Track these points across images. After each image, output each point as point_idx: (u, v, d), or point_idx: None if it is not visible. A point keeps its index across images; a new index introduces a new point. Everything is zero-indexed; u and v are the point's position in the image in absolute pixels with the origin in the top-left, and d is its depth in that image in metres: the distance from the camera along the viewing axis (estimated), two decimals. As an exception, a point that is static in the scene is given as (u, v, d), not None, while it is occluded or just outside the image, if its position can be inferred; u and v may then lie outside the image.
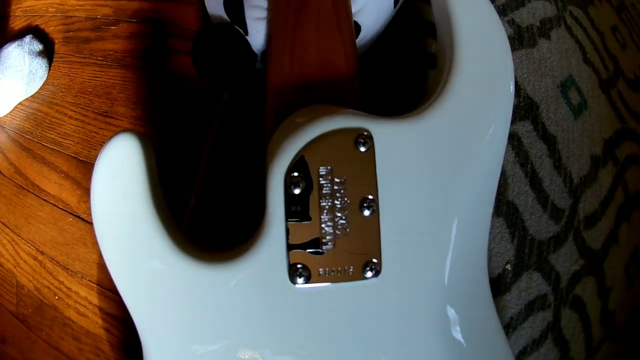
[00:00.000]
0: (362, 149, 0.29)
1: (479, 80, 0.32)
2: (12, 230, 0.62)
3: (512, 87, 0.32)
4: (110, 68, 0.59)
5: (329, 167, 0.29)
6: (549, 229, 0.47)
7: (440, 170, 0.30)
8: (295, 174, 0.29)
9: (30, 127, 0.63)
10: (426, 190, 0.30)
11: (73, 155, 0.59)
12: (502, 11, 0.51)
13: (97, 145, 0.57)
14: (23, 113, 0.64)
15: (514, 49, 0.49)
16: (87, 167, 0.58)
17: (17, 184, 0.62)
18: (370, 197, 0.29)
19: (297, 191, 0.29)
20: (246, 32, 0.44)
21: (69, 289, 0.55)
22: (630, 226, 0.54)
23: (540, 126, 0.49)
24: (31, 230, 0.61)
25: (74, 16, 0.65)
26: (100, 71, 0.60)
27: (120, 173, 0.29)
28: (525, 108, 0.48)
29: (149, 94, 0.56)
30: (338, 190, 0.29)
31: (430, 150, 0.30)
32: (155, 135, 0.55)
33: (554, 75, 0.51)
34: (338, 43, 0.39)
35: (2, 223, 0.63)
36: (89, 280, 0.54)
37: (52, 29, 0.67)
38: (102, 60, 0.60)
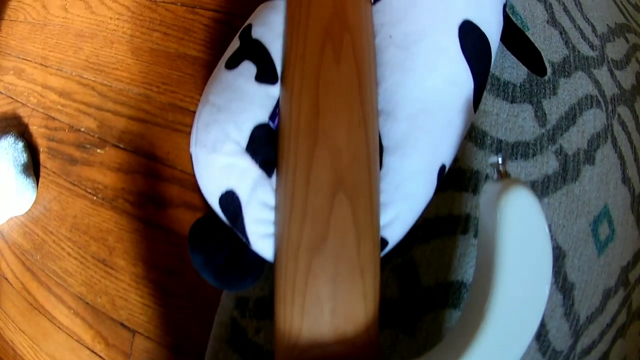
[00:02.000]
0: None
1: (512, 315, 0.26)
2: (30, 340, 0.62)
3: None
4: (102, 207, 0.51)
5: None
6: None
7: None
8: None
9: (29, 247, 0.58)
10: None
11: (78, 295, 0.54)
12: (552, 137, 0.47)
13: (101, 293, 0.53)
14: (20, 229, 0.58)
15: (556, 188, 0.46)
16: (95, 312, 0.54)
17: (28, 301, 0.60)
18: None
19: None
20: (248, 243, 0.34)
21: None
22: (625, 341, 0.54)
23: (561, 277, 0.45)
24: (50, 347, 0.60)
25: (56, 119, 0.55)
26: (92, 208, 0.52)
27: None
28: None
29: (148, 251, 0.49)
30: None
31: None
32: (164, 303, 0.49)
33: (589, 211, 0.48)
34: (358, 295, 0.31)
35: (20, 330, 0.63)
36: None
37: (35, 128, 0.57)
38: (93, 195, 0.51)
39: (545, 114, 0.48)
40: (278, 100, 0.33)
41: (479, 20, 0.35)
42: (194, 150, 0.32)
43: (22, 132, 0.58)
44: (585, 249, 0.47)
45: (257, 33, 0.35)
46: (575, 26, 0.56)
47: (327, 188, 0.31)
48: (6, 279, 0.61)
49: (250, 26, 0.37)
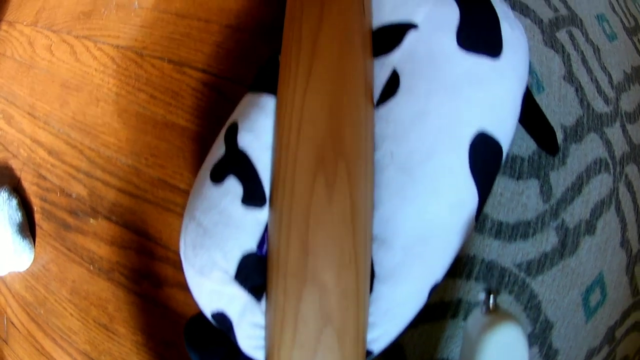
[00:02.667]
0: None
1: None
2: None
3: None
4: (100, 278, 0.50)
5: None
6: None
7: None
8: None
9: (32, 300, 0.58)
10: None
11: (84, 351, 0.55)
12: (555, 212, 0.45)
13: (105, 353, 0.53)
14: (22, 282, 0.58)
15: (552, 265, 0.44)
16: (99, 369, 0.55)
17: (35, 347, 0.61)
18: None
19: None
20: (241, 351, 0.34)
21: None
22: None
23: (546, 346, 0.44)
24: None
25: (47, 179, 0.53)
26: (89, 277, 0.51)
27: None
28: (538, 334, 0.43)
29: (146, 323, 0.48)
30: None
31: None
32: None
33: (583, 282, 0.46)
34: None
35: (36, 369, 0.65)
36: None
37: (27, 184, 0.55)
38: (89, 264, 0.50)
39: (551, 187, 0.45)
40: (266, 226, 0.30)
41: (495, 128, 0.31)
42: (184, 263, 0.31)
43: (15, 186, 0.56)
44: (573, 318, 0.45)
45: (244, 141, 0.32)
46: (591, 79, 0.51)
47: (314, 323, 0.29)
48: (12, 323, 0.62)
49: (236, 127, 0.34)
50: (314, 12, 0.32)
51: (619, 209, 0.50)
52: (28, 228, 0.55)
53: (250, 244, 0.29)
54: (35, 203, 0.54)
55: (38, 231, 0.54)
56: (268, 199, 0.29)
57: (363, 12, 0.33)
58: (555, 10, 0.52)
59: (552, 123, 0.47)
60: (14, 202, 0.55)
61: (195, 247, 0.30)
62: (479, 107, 0.31)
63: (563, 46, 0.51)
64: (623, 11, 0.62)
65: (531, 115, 0.41)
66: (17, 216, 0.54)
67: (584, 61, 0.52)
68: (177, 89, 0.46)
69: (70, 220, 0.51)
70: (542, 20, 0.50)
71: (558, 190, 0.45)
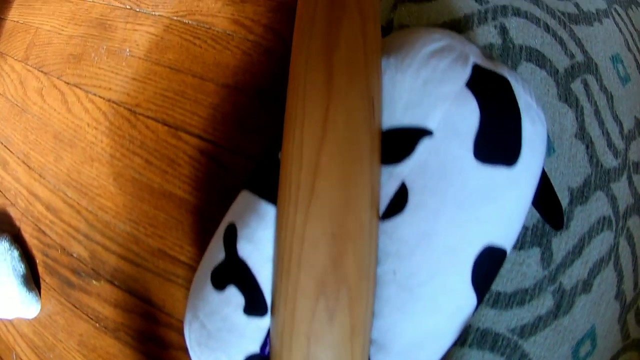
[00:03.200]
0: None
1: None
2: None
3: None
4: (106, 335, 0.50)
5: None
6: None
7: None
8: None
9: (41, 345, 0.59)
10: None
11: (94, 397, 0.57)
12: (553, 277, 0.44)
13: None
14: (30, 327, 0.59)
15: (545, 326, 0.43)
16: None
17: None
18: None
19: None
20: None
21: None
22: None
23: None
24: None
25: (47, 234, 0.52)
26: (96, 333, 0.51)
27: None
28: None
29: (153, 381, 0.49)
30: None
31: None
32: None
33: (574, 337, 0.45)
34: None
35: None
36: None
37: (27, 236, 0.54)
38: (95, 322, 0.51)
39: (552, 254, 0.44)
40: (269, 330, 0.30)
41: (503, 238, 0.31)
42: (190, 353, 0.32)
43: (15, 235, 0.56)
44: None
45: (244, 251, 0.32)
46: (602, 132, 0.49)
47: None
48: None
49: (234, 231, 0.33)
50: (318, 116, 0.30)
51: (617, 264, 0.49)
52: (32, 280, 0.55)
53: (253, 347, 0.29)
54: (37, 256, 0.53)
55: (42, 284, 0.54)
56: (270, 308, 0.29)
57: (373, 113, 0.30)
58: (572, 56, 0.50)
59: (560, 186, 0.45)
60: (16, 253, 0.55)
61: (201, 345, 0.31)
62: (489, 223, 0.30)
63: (577, 99, 0.48)
64: (638, 48, 0.58)
65: (542, 193, 0.40)
66: (21, 267, 0.54)
67: (597, 113, 0.49)
68: (173, 155, 0.44)
69: (74, 279, 0.50)
70: (557, 70, 0.48)
71: (559, 256, 0.44)
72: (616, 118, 0.51)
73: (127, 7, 0.54)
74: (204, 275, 0.32)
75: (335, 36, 0.30)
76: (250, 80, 0.44)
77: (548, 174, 0.45)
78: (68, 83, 0.53)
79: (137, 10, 0.53)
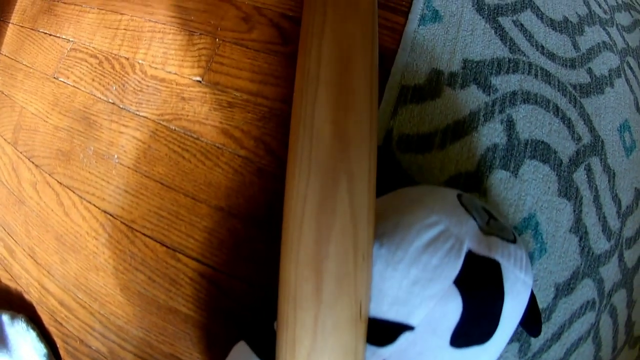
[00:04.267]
0: None
1: None
2: None
3: None
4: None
5: None
6: None
7: None
8: None
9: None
10: None
11: None
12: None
13: None
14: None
15: None
16: None
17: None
18: None
19: None
20: None
21: None
22: None
23: None
24: None
25: (65, 326, 0.56)
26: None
27: None
28: None
29: None
30: None
31: None
32: None
33: None
34: None
35: None
36: None
37: (44, 321, 0.58)
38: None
39: (529, 345, 0.48)
40: None
41: None
42: None
43: (31, 317, 0.59)
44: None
45: None
46: (599, 218, 0.50)
47: None
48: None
49: None
50: (309, 323, 0.32)
51: (596, 337, 0.52)
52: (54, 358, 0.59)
53: None
54: (58, 342, 0.58)
55: (66, 362, 0.59)
56: None
57: (360, 315, 0.33)
58: (578, 140, 0.49)
59: (546, 285, 0.47)
60: (34, 333, 0.58)
61: None
62: None
63: (578, 189, 0.49)
64: (646, 108, 0.58)
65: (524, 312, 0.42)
66: (41, 347, 0.58)
67: (596, 198, 0.50)
68: (174, 276, 0.47)
69: (95, 365, 0.55)
70: (561, 162, 0.48)
71: (536, 345, 0.48)
72: (615, 198, 0.52)
73: (110, 101, 0.53)
74: None
75: (325, 245, 0.32)
76: (243, 204, 0.45)
77: (536, 275, 0.47)
78: (61, 183, 0.54)
79: (121, 106, 0.52)
